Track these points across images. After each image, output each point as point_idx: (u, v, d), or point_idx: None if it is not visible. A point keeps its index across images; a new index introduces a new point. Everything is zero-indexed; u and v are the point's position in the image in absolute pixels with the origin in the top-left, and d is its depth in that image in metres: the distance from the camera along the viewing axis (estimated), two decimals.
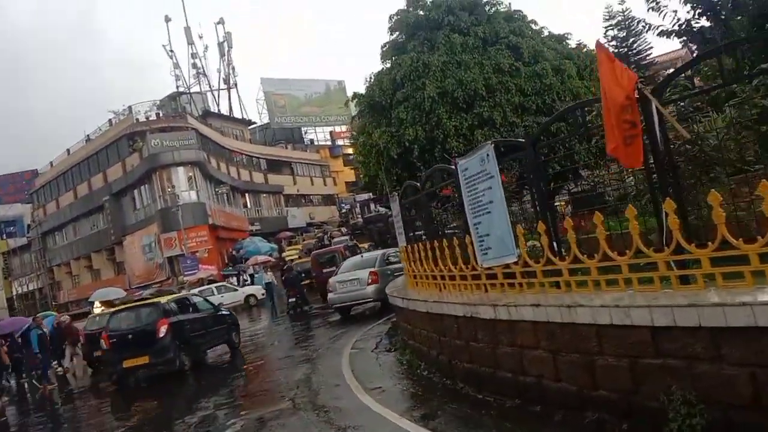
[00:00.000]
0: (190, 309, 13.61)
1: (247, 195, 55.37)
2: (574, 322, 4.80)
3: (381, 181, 19.03)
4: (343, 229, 61.47)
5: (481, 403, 6.06)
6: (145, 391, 12.36)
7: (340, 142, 79.85)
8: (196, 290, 25.67)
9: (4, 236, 61.04)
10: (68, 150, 51.86)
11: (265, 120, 71.99)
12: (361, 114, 21.09)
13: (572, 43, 21.46)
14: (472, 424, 5.63)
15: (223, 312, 15.30)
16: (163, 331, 12.03)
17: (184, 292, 19.48)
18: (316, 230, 61.10)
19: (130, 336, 12.40)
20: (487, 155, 6.17)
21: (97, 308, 26.62)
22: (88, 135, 49.44)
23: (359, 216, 74.68)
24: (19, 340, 17.32)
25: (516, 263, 5.88)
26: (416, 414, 6.28)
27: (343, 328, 14.60)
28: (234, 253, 45.55)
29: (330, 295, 16.67)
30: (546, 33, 20.80)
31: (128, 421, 9.69)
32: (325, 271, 24.22)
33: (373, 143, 19.14)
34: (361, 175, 59.44)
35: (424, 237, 8.90)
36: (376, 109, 19.38)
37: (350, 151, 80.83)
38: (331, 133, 79.30)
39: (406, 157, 18.08)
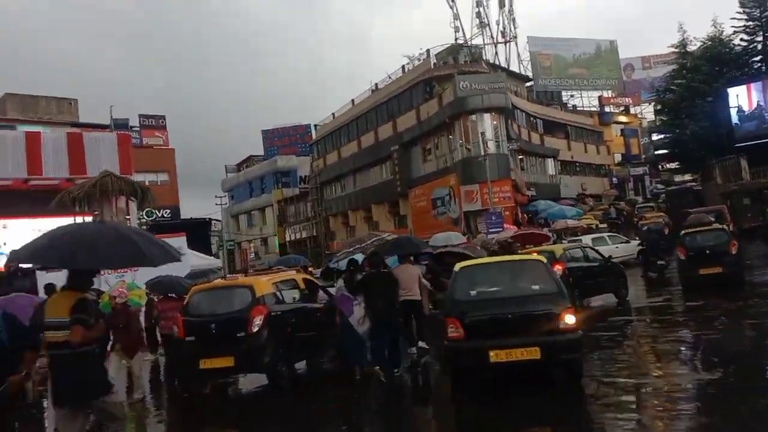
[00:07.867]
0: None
1: (525, 156, 50.48)
2: None
3: None
4: (621, 203, 54.77)
5: None
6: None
7: (608, 109, 71.55)
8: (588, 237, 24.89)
9: (280, 185, 63.92)
10: (353, 100, 51.41)
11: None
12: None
13: None
14: None
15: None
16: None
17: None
18: (594, 202, 54.86)
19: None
20: None
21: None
22: (375, 83, 48.23)
23: (632, 191, 66.78)
24: None
25: None
26: None
27: None
28: (526, 215, 41.00)
29: None
30: None
31: None
32: None
33: None
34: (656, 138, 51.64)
35: None
36: None
37: (622, 119, 72.26)
38: (600, 98, 71.25)
39: None
